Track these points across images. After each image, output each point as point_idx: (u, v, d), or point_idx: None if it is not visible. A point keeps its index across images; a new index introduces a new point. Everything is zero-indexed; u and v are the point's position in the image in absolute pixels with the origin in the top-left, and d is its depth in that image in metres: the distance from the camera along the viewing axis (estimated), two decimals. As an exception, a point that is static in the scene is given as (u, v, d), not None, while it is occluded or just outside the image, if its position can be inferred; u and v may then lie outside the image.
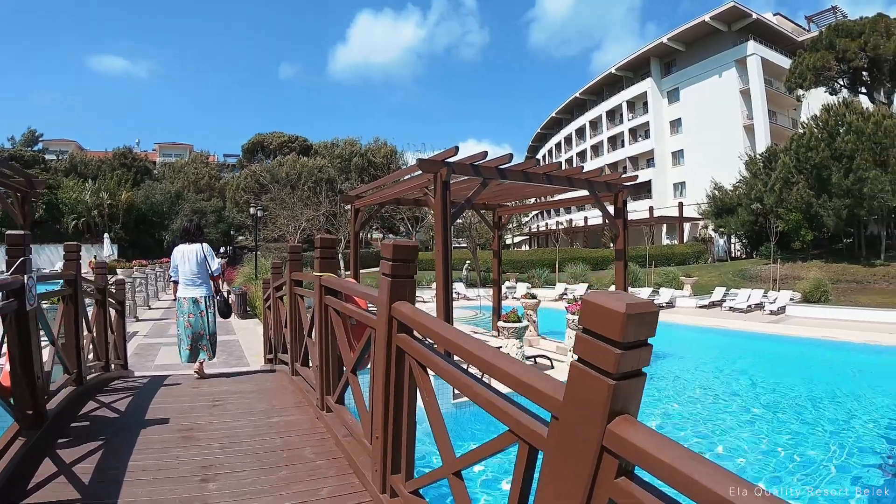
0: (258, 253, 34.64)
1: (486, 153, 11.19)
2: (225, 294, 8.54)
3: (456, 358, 2.46)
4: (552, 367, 12.66)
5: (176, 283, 7.96)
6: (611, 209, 14.45)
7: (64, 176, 62.79)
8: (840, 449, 8.72)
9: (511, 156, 11.49)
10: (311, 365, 5.87)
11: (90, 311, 6.98)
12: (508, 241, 63.69)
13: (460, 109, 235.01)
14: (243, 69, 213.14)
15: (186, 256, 7.87)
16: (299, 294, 6.19)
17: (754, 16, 56.39)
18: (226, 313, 8.39)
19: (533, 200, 36.89)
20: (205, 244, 8.04)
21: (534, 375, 1.85)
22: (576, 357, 1.61)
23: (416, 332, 2.82)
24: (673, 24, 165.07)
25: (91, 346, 6.82)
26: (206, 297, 7.93)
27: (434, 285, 32.99)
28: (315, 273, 4.69)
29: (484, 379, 2.42)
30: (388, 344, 2.93)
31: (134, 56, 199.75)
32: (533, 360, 12.50)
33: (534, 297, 17.22)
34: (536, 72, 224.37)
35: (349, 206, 17.62)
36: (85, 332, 6.35)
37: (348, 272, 31.55)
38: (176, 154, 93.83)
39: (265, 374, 8.03)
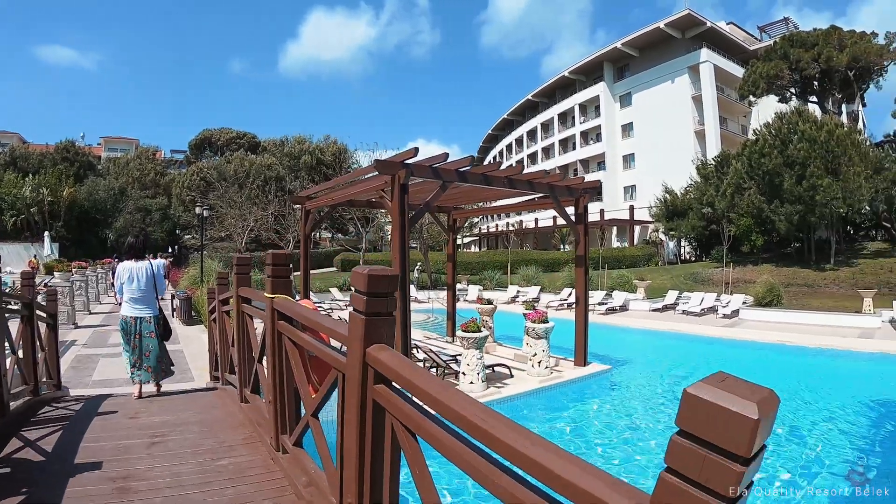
0: (204, 253, 33.54)
1: (446, 155, 10.73)
2: (169, 306, 8.02)
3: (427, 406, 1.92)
4: (511, 377, 12.26)
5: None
6: (571, 213, 14.11)
7: (3, 170, 60.25)
8: (808, 456, 8.67)
9: (472, 158, 11.06)
10: (262, 395, 5.20)
11: (15, 327, 6.22)
12: (458, 242, 63.45)
13: (410, 109, 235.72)
14: (193, 63, 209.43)
15: (135, 274, 7.54)
16: (248, 313, 5.44)
17: (708, 24, 57.55)
18: (165, 336, 7.93)
19: (480, 203, 36.63)
20: (153, 261, 7.82)
21: (594, 478, 1.34)
22: (665, 466, 1.13)
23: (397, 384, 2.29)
24: (623, 30, 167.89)
25: (16, 369, 6.10)
26: (154, 316, 7.67)
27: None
28: (266, 294, 4.09)
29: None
30: (363, 396, 2.39)
31: (83, 47, 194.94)
32: (491, 368, 12.07)
33: (490, 302, 16.76)
34: (487, 73, 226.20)
35: (299, 207, 16.89)
36: (9, 353, 5.66)
37: (297, 273, 30.83)
38: (122, 149, 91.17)
39: (210, 393, 7.38)
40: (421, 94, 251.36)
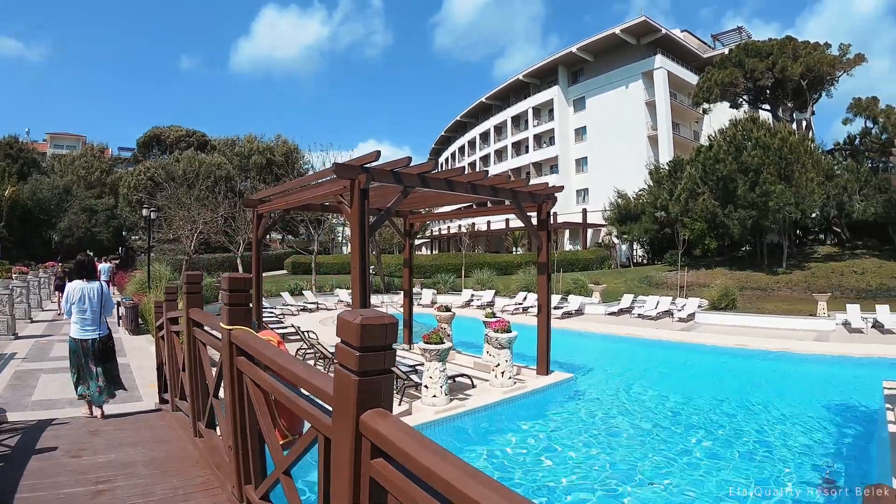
0: (153, 255, 32.33)
1: (409, 159, 10.28)
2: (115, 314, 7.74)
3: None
4: (473, 387, 11.91)
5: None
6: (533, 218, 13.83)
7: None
8: (774, 465, 8.64)
9: (436, 163, 10.66)
10: (219, 433, 4.58)
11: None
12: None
13: (361, 109, 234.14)
14: (143, 58, 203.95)
15: (86, 295, 7.35)
16: (200, 340, 4.80)
17: (663, 31, 58.54)
18: (108, 357, 7.70)
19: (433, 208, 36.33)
20: (104, 282, 7.35)
21: None
22: None
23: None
24: (575, 36, 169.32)
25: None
26: (104, 337, 7.55)
27: (337, 292, 31.84)
28: (223, 326, 3.55)
29: None
30: (356, 470, 1.92)
31: (29, 39, 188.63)
32: (452, 379, 11.62)
33: (448, 309, 16.29)
34: (439, 75, 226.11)
35: (250, 211, 16.20)
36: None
37: (248, 274, 29.97)
38: (68, 146, 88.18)
39: (160, 420, 6.74)
40: (373, 94, 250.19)
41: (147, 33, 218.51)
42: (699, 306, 24.48)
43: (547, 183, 13.94)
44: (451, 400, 10.61)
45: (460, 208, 21.52)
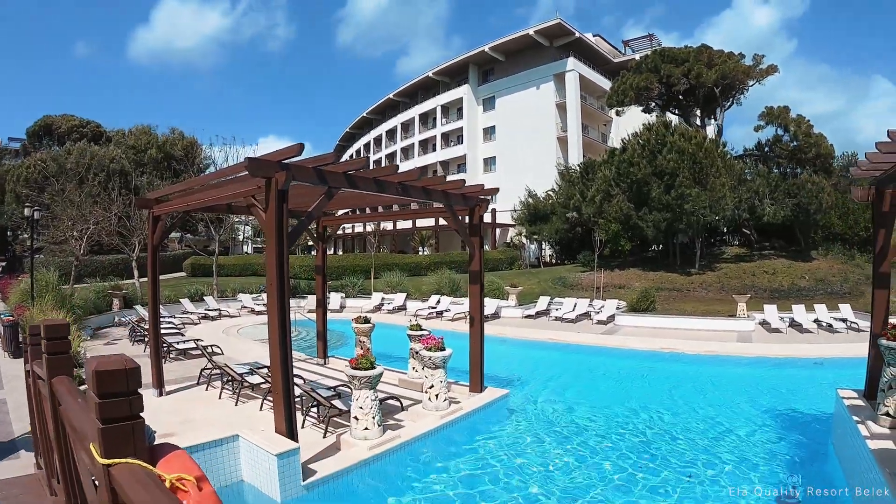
0: (40, 257, 29.34)
1: (336, 155, 8.86)
2: None
3: None
4: (403, 409, 10.70)
5: None
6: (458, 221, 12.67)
7: None
8: (730, 479, 8.40)
9: (366, 159, 9.29)
10: None
11: None
12: (311, 244, 61.05)
13: (262, 104, 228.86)
14: (36, 42, 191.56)
15: None
16: (73, 434, 2.76)
17: (576, 34, 59.42)
18: None
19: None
20: None
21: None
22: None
23: None
24: (478, 38, 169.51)
25: None
26: None
27: (240, 297, 29.72)
28: (98, 457, 1.91)
29: None
30: None
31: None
32: (380, 402, 10.20)
33: (367, 320, 14.97)
34: (342, 71, 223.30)
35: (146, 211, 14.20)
36: None
37: (143, 279, 27.55)
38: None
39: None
40: (274, 88, 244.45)
41: (41, 16, 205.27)
42: (618, 308, 24.45)
43: (483, 185, 12.69)
44: (385, 430, 9.27)
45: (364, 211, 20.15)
